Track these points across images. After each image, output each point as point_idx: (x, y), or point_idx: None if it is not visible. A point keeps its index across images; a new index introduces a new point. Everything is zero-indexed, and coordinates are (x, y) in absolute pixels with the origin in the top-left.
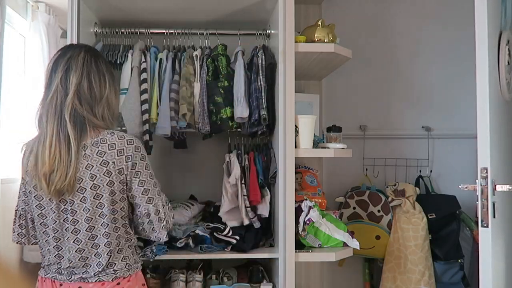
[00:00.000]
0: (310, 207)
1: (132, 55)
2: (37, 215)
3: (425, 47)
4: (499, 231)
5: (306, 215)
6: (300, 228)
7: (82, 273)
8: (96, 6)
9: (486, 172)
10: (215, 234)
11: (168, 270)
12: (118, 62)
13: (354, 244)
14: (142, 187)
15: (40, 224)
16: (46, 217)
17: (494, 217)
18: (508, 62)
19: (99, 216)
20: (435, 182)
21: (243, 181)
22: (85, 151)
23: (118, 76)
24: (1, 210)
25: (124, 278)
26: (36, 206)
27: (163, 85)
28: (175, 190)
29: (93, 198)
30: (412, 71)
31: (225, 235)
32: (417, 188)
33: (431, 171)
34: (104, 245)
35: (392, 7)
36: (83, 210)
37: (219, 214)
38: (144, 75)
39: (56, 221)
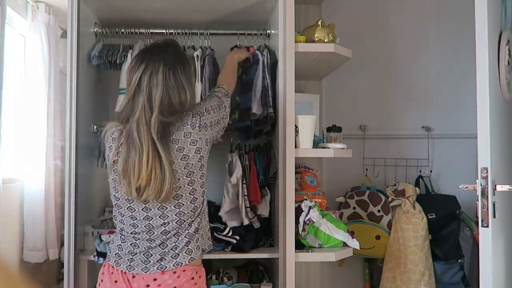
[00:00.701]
0: (310, 207)
1: (132, 55)
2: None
3: (425, 47)
4: (499, 231)
5: (306, 215)
6: (300, 228)
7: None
8: (96, 6)
9: (486, 172)
10: (215, 234)
11: None
12: (118, 62)
13: (354, 244)
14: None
15: (119, 207)
16: (121, 207)
17: (494, 217)
18: (508, 62)
19: (183, 208)
20: (435, 182)
21: (243, 181)
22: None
23: (117, 76)
24: (1, 210)
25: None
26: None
27: None
28: None
29: (190, 202)
30: (412, 71)
31: (225, 235)
32: (417, 188)
33: (431, 171)
34: (177, 237)
35: (392, 7)
36: (172, 213)
37: (219, 214)
38: None
39: (132, 214)
